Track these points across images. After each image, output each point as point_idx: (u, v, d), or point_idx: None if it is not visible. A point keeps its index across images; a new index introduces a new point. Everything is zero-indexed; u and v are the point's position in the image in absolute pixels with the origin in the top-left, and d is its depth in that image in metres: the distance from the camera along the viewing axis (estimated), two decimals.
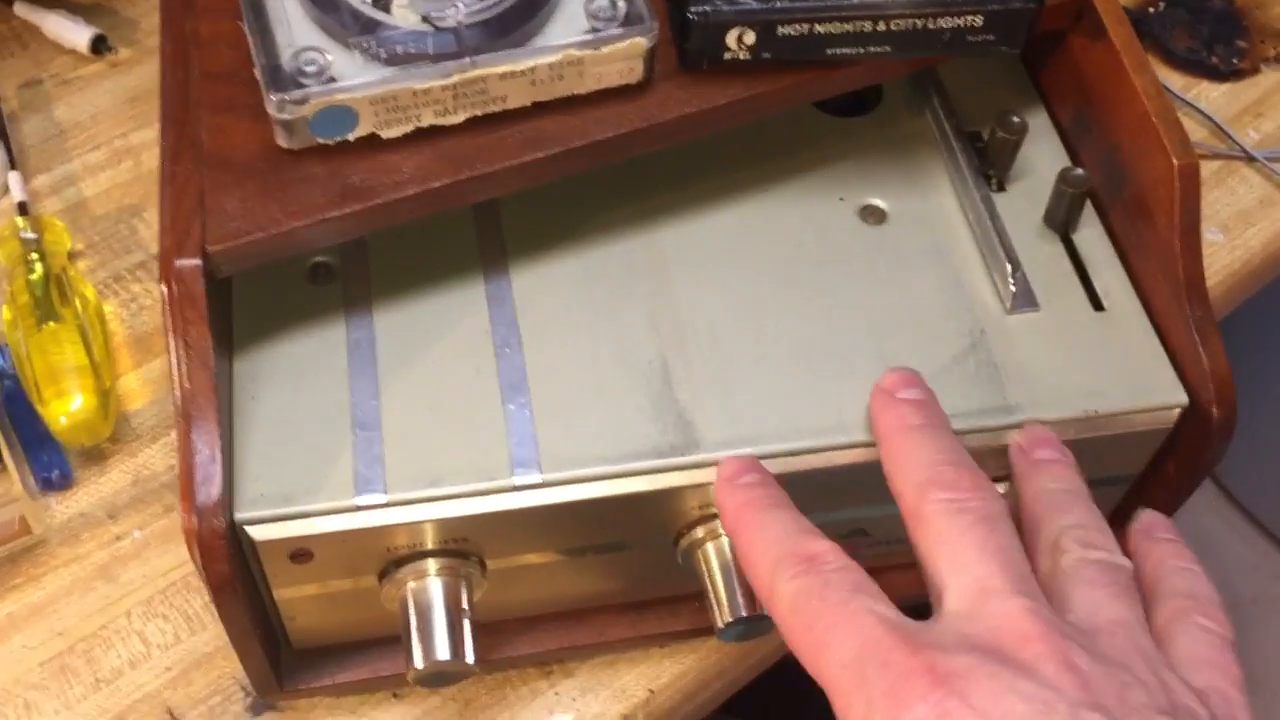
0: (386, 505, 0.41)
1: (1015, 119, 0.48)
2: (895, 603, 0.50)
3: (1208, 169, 0.66)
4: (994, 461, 0.45)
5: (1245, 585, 1.42)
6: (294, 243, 0.41)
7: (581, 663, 0.50)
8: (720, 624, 0.43)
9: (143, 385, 0.56)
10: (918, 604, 0.51)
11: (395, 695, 0.49)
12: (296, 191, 0.41)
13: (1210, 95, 0.69)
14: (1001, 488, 0.45)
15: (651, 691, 0.50)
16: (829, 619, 0.36)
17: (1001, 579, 0.36)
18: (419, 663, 0.42)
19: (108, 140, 0.63)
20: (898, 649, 0.34)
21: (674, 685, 0.50)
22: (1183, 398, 0.45)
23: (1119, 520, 0.51)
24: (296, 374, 0.43)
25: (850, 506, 0.46)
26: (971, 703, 0.32)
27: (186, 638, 0.50)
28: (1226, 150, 0.66)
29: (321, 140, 0.42)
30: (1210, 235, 0.64)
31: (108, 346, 0.55)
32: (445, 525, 0.42)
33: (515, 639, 0.49)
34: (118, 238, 0.60)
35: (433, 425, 0.42)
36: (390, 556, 0.43)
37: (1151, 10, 0.72)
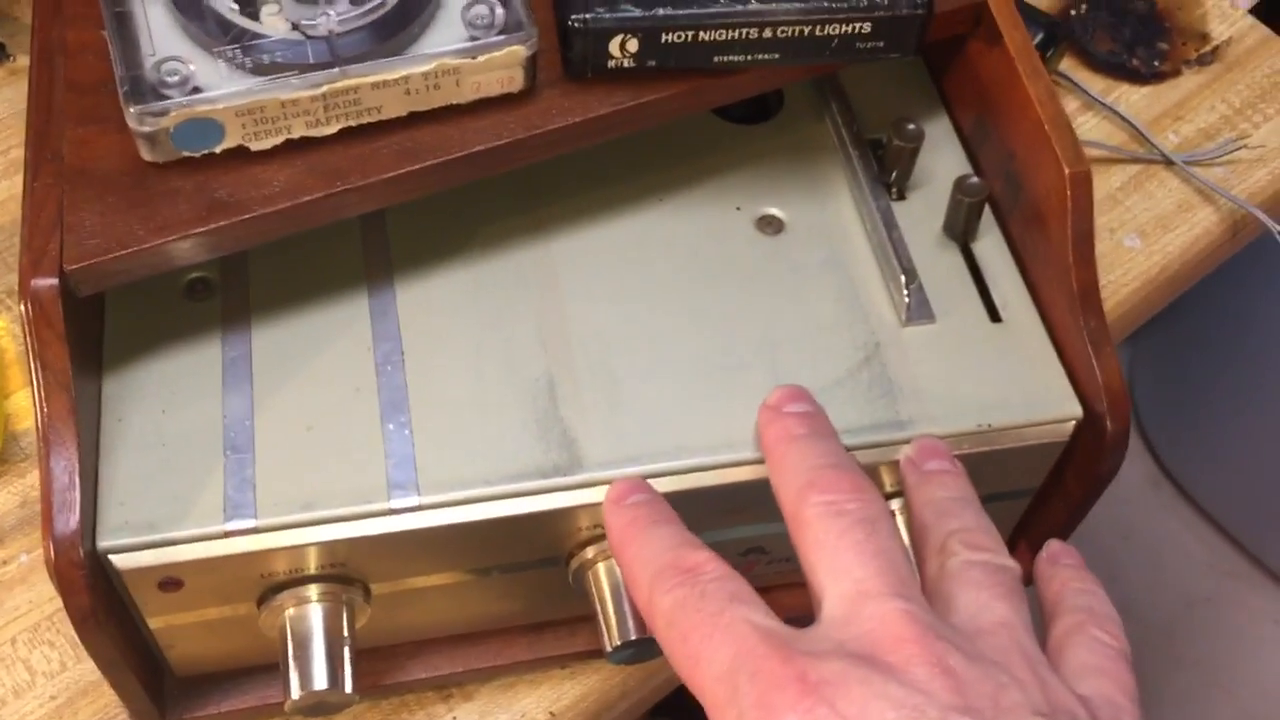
0: (257, 530, 0.40)
1: (911, 126, 0.48)
2: (794, 619, 0.50)
3: (1126, 173, 0.65)
4: (887, 477, 0.44)
5: (1201, 584, 1.43)
6: (158, 260, 0.40)
7: (480, 685, 0.49)
8: (609, 647, 0.42)
9: (33, 404, 0.54)
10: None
11: None
12: (160, 206, 0.40)
13: (1131, 99, 0.68)
14: (895, 504, 0.44)
15: (553, 715, 0.49)
16: (704, 630, 0.35)
17: (879, 581, 0.35)
18: (295, 692, 0.41)
19: (4, 150, 0.62)
20: (770, 658, 0.33)
21: (576, 707, 0.49)
22: (1077, 410, 0.44)
23: (1024, 535, 0.50)
24: (168, 394, 0.42)
25: (744, 524, 0.45)
26: (840, 710, 0.31)
27: (73, 665, 0.48)
28: (1145, 154, 0.66)
29: (187, 153, 0.40)
30: (1128, 242, 0.63)
31: None
32: (321, 550, 0.40)
33: (409, 663, 0.48)
34: (13, 251, 0.58)
35: (309, 446, 0.41)
36: (267, 583, 0.41)
37: (1073, 13, 0.72)
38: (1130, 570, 1.41)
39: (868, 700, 0.31)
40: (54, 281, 0.38)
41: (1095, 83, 0.69)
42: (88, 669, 0.48)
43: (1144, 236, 0.63)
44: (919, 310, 0.46)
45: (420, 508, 0.40)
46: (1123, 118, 0.67)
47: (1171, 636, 1.39)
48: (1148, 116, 0.67)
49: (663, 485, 0.42)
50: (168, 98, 0.39)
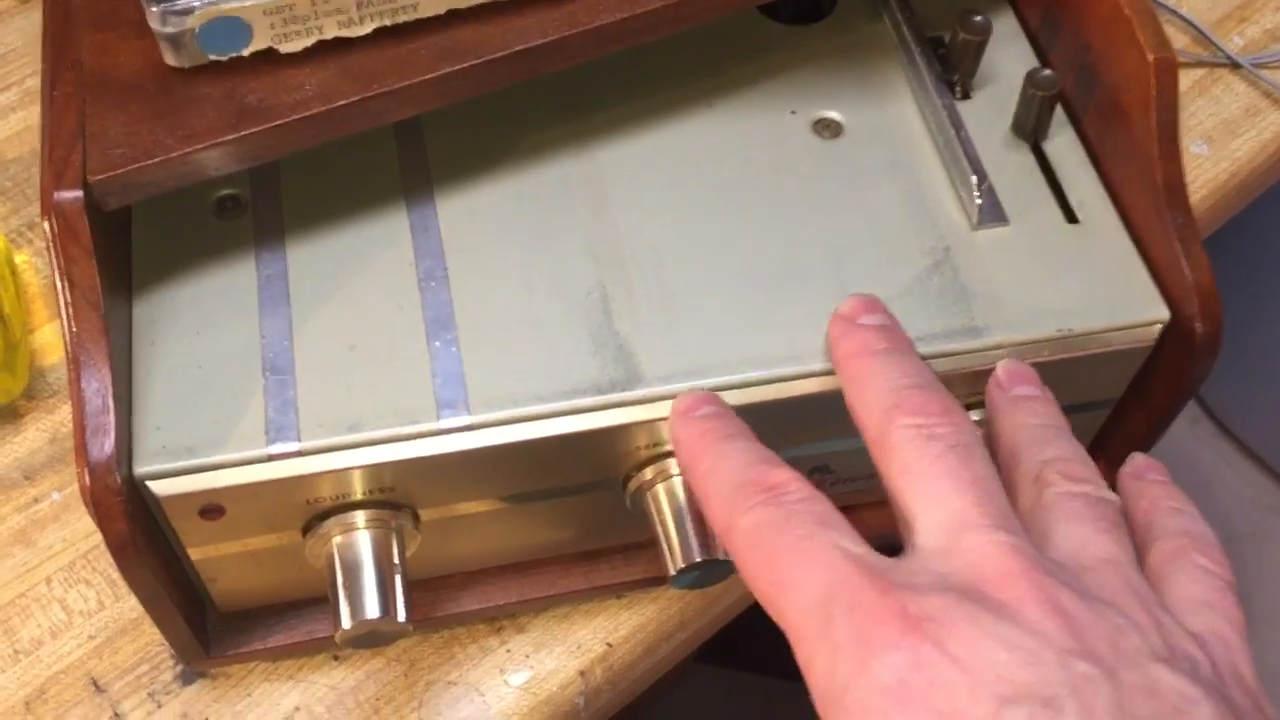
0: (301, 454, 0.38)
1: (978, 18, 0.45)
2: (871, 541, 0.48)
3: (1190, 78, 0.62)
4: (962, 387, 0.41)
5: (1243, 520, 1.40)
6: (187, 170, 0.37)
7: (534, 617, 0.47)
8: (673, 570, 0.40)
9: (60, 339, 0.52)
10: (888, 543, 0.48)
11: (336, 658, 0.46)
12: (188, 114, 0.37)
13: (1193, 0, 0.65)
14: (975, 415, 0.42)
15: (609, 645, 0.47)
16: (790, 555, 0.32)
17: (978, 511, 0.32)
18: (346, 622, 0.39)
19: (19, 80, 0.59)
20: (867, 589, 0.31)
21: (633, 638, 0.48)
22: (1164, 313, 0.41)
23: (1101, 450, 0.48)
24: (201, 316, 0.40)
25: (809, 442, 0.43)
26: (949, 650, 0.29)
27: (111, 604, 0.47)
28: (1210, 58, 0.63)
29: (214, 57, 0.38)
30: (1194, 148, 0.60)
31: (20, 298, 0.52)
32: (368, 474, 0.38)
33: (460, 594, 0.46)
34: (31, 183, 0.56)
35: (351, 366, 0.39)
36: (312, 509, 0.39)
37: None
38: None
39: (978, 640, 0.29)
40: (78, 194, 0.36)
41: None
42: (127, 607, 0.47)
43: (1211, 143, 0.60)
44: (991, 212, 0.43)
45: (471, 427, 0.38)
46: (1185, 20, 0.63)
47: None
48: (1211, 18, 0.64)
49: (728, 400, 0.39)
50: None
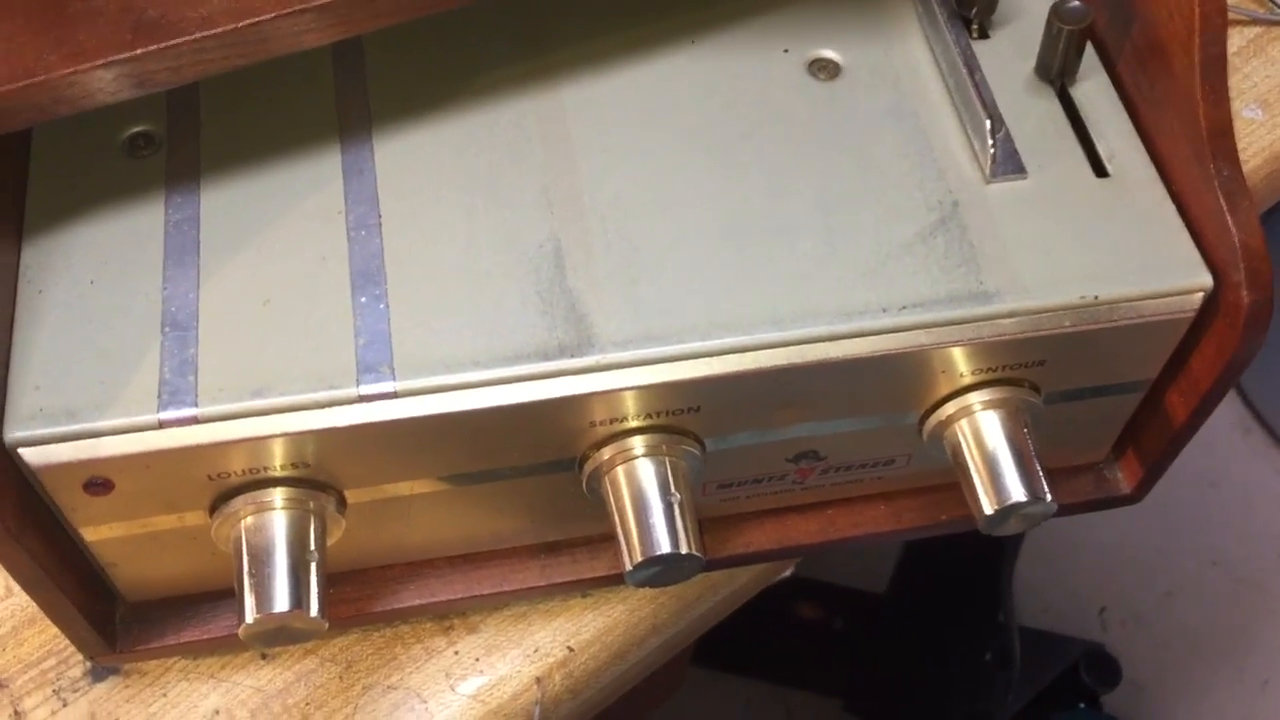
0: (195, 420, 0.33)
1: None
2: (852, 540, 0.42)
3: (1243, 36, 0.56)
4: (969, 362, 0.36)
5: None
6: (75, 94, 0.32)
7: (486, 616, 0.42)
8: (629, 564, 0.35)
9: None
10: (880, 542, 0.43)
11: (264, 656, 0.41)
12: (76, 28, 0.33)
13: None
14: (977, 396, 0.37)
15: (571, 649, 0.42)
16: None
17: None
18: (250, 615, 0.34)
19: None
20: None
21: (598, 640, 0.42)
22: (1206, 279, 0.36)
23: (1133, 440, 0.42)
24: (98, 263, 0.35)
25: (795, 423, 0.37)
26: None
27: (18, 591, 0.42)
28: (1266, 15, 0.56)
29: None
30: (1247, 112, 0.54)
31: None
32: (278, 446, 0.33)
33: (402, 588, 0.41)
34: None
35: (264, 323, 0.34)
36: (218, 486, 0.35)
37: None
38: (1220, 520, 1.32)
39: None
40: None
41: None
42: None
43: (1266, 107, 0.54)
44: (1006, 162, 0.38)
45: (396, 394, 0.33)
46: None
47: (1263, 589, 1.30)
48: None
49: (688, 370, 0.34)
50: None
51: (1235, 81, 0.55)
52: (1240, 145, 0.53)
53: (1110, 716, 0.99)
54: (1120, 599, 1.29)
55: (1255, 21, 0.56)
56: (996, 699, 1.08)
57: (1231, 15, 0.56)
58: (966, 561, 1.18)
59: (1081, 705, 0.95)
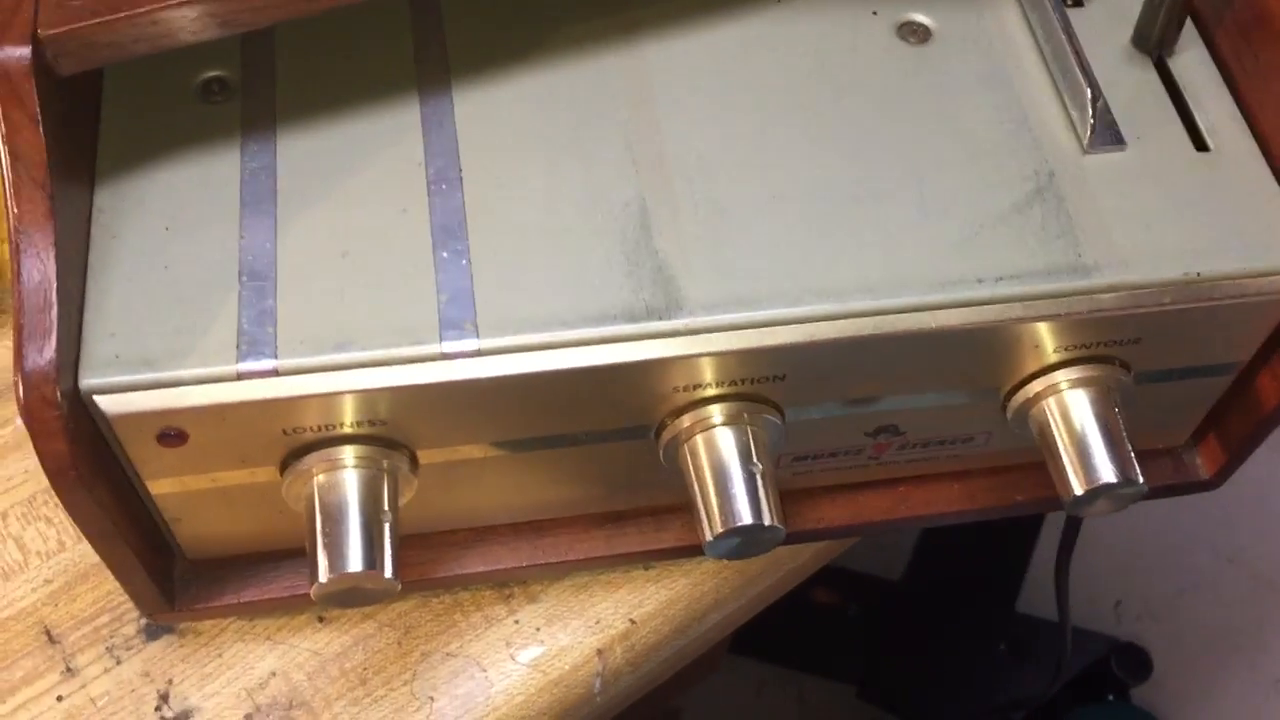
0: (276, 373, 0.32)
1: None
2: (924, 519, 0.41)
3: None
4: (1064, 337, 0.35)
5: None
6: (157, 32, 0.31)
7: (548, 585, 0.41)
8: (709, 535, 0.34)
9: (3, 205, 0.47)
10: (952, 522, 0.42)
11: (321, 619, 0.41)
12: None
13: None
14: (1065, 374, 0.36)
15: (633, 622, 0.41)
16: None
17: None
18: (324, 575, 0.33)
19: None
20: None
21: (660, 614, 0.42)
22: None
23: (1216, 424, 0.41)
24: (174, 209, 0.34)
25: (876, 396, 0.36)
26: None
27: (72, 545, 0.41)
28: None
29: None
30: None
31: None
32: (356, 402, 0.33)
33: (465, 554, 0.40)
34: None
35: (344, 276, 0.33)
36: (292, 442, 0.34)
37: None
38: (1239, 518, 1.31)
39: None
40: (25, 51, 0.30)
41: None
42: (91, 550, 0.41)
43: None
44: (1105, 133, 0.37)
45: (479, 352, 0.32)
46: None
47: (1279, 587, 1.29)
48: None
49: (781, 337, 0.33)
50: None
51: None
52: None
53: (1140, 709, 0.98)
54: (1136, 593, 1.29)
55: None
56: (1013, 691, 1.08)
57: None
58: (982, 551, 1.17)
59: (1110, 697, 0.94)
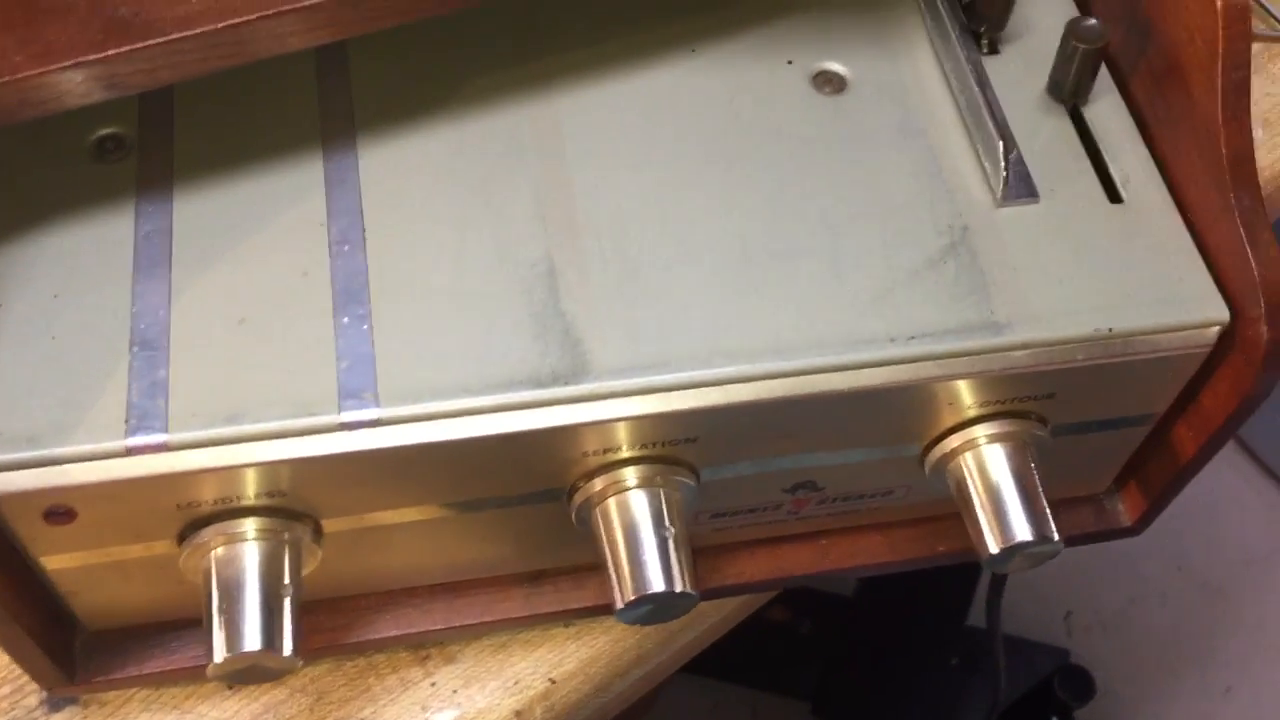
0: (166, 448, 0.31)
1: None
2: (847, 570, 0.41)
3: None
4: (978, 394, 0.35)
5: (1260, 542, 1.34)
6: (41, 96, 0.30)
7: (465, 646, 0.41)
8: (620, 603, 0.34)
9: None
10: (879, 575, 0.42)
11: (230, 686, 0.39)
12: (44, 25, 0.31)
13: None
14: (983, 429, 0.35)
15: (552, 681, 0.40)
16: None
17: None
18: (219, 654, 0.32)
19: None
20: None
21: (581, 672, 0.41)
22: (1223, 313, 0.34)
23: (1135, 472, 0.41)
24: (64, 275, 0.33)
25: (792, 453, 0.36)
26: None
27: None
28: (1267, 31, 0.56)
29: None
30: None
31: None
32: (252, 475, 0.32)
33: (377, 618, 0.39)
34: None
35: (240, 343, 0.32)
36: (188, 515, 0.33)
37: None
38: (1186, 527, 1.32)
39: None
40: None
41: None
42: None
43: (1268, 126, 0.53)
44: (1019, 186, 0.36)
45: (379, 422, 0.31)
46: None
47: (1229, 596, 1.31)
48: None
49: (691, 401, 0.33)
50: None
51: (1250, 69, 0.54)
52: None
53: None
54: (1085, 604, 1.30)
55: (1257, 38, 0.55)
56: (964, 704, 1.08)
57: None
58: (934, 568, 1.18)
59: (1054, 718, 0.94)
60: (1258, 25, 0.56)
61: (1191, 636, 1.30)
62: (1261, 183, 0.52)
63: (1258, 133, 0.53)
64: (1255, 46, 0.55)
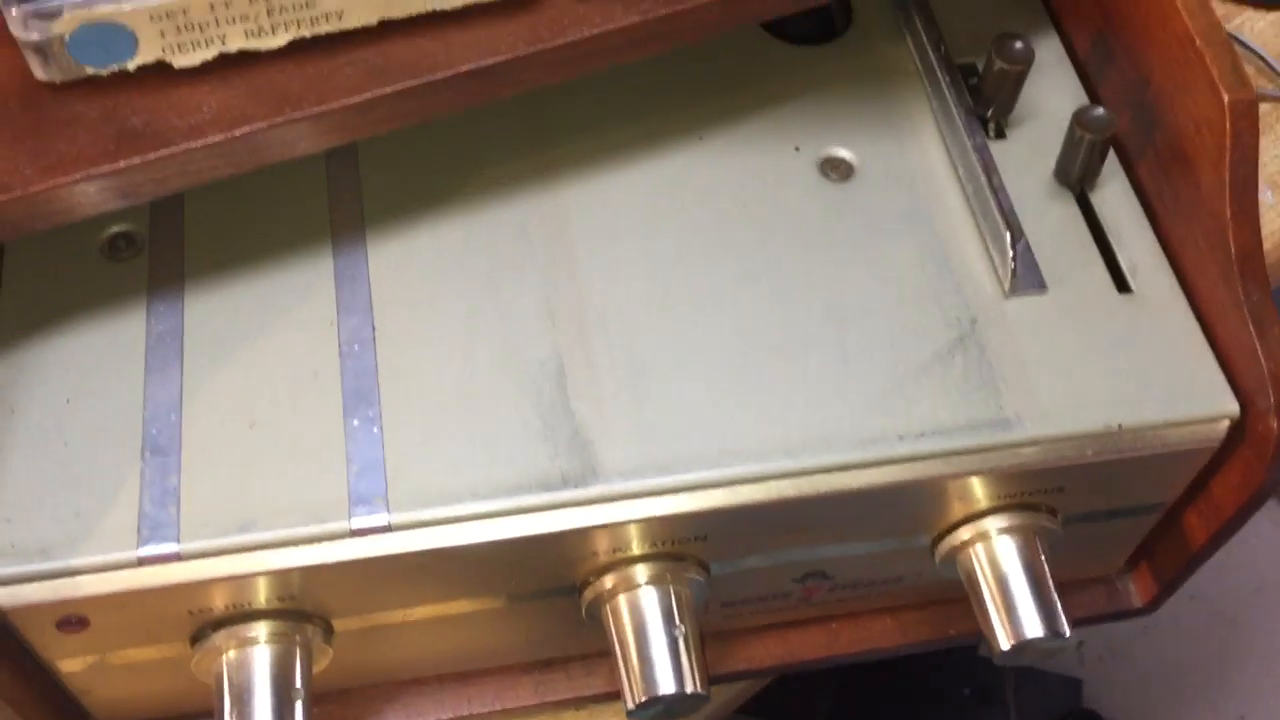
0: (178, 558, 0.31)
1: (1018, 44, 0.38)
2: (857, 655, 0.41)
3: None
4: (986, 489, 0.35)
5: (1272, 568, 1.33)
6: (54, 208, 0.31)
7: None
8: (631, 703, 0.34)
9: None
10: (886, 658, 0.42)
11: None
12: (55, 138, 0.31)
13: (1255, 27, 0.58)
14: (993, 521, 0.35)
15: None
16: None
17: None
18: None
19: None
20: None
21: None
22: (1233, 406, 0.34)
23: (1147, 555, 0.41)
24: (75, 379, 0.33)
25: (803, 545, 0.36)
26: None
27: None
28: (1274, 91, 0.55)
29: (92, 70, 0.31)
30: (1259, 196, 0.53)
31: None
32: (264, 582, 0.32)
33: (387, 708, 0.39)
34: None
35: (250, 448, 0.32)
36: (199, 619, 0.33)
37: None
38: None
39: None
40: None
41: (1214, 8, 0.58)
42: None
43: (1276, 188, 0.53)
44: (1027, 277, 0.36)
45: (390, 528, 0.32)
46: (1248, 47, 0.56)
47: (1240, 623, 1.30)
48: (1276, 47, 0.57)
49: (700, 502, 0.33)
50: None
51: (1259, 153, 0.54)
52: None
53: None
54: (1098, 633, 1.29)
55: (1264, 98, 0.55)
56: None
57: None
58: None
59: None
60: (1265, 85, 0.56)
61: (1204, 665, 1.29)
62: (1271, 247, 0.52)
63: (1266, 195, 0.53)
64: (1264, 107, 0.55)
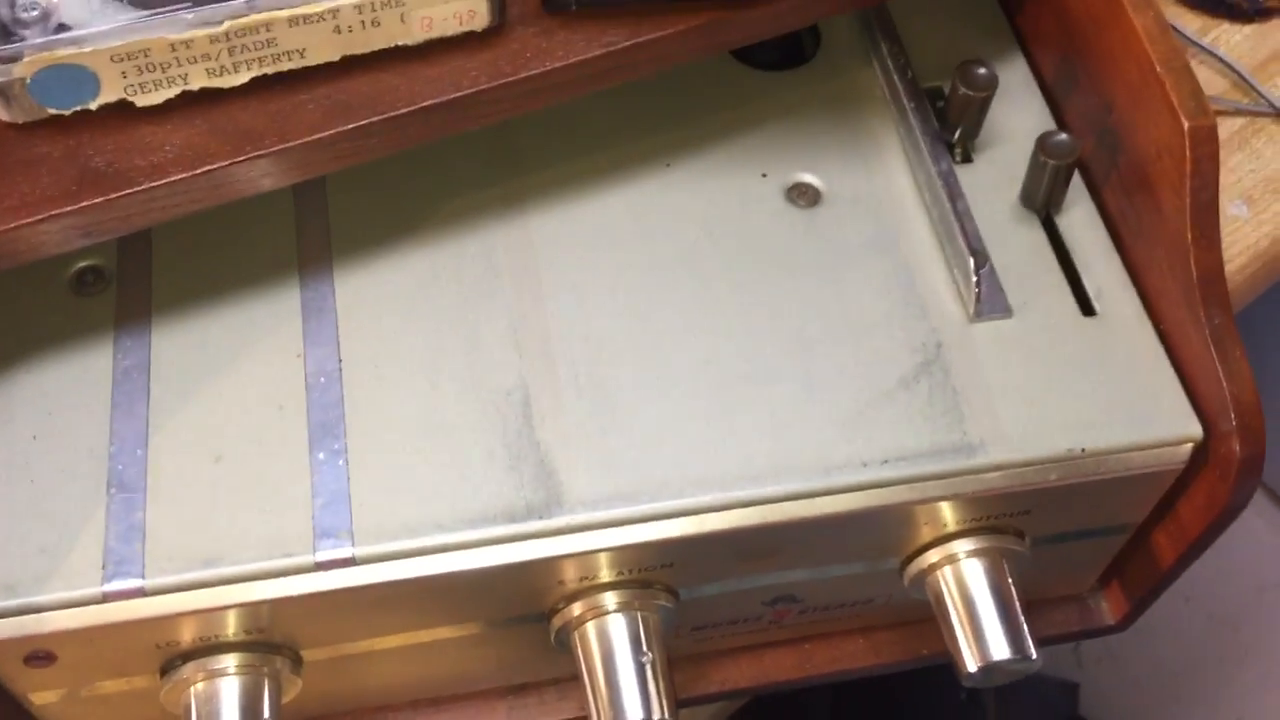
0: (143, 593, 0.31)
1: (982, 70, 0.38)
2: (830, 675, 0.41)
3: (1228, 128, 0.55)
4: (953, 514, 0.35)
5: (1271, 570, 1.33)
6: (17, 248, 0.31)
7: None
8: None
9: None
10: (850, 678, 0.42)
11: None
12: (17, 179, 0.31)
13: (1232, 39, 0.58)
14: (961, 545, 0.35)
15: None
16: None
17: None
18: None
19: None
20: None
21: None
22: (1196, 429, 0.35)
23: (1117, 574, 0.41)
24: (40, 415, 0.34)
25: (770, 571, 0.36)
26: None
27: None
28: (1250, 105, 0.56)
29: (54, 110, 0.32)
30: (1232, 209, 0.53)
31: None
32: (229, 616, 0.32)
33: None
34: None
35: (216, 482, 0.33)
36: (167, 653, 0.33)
37: None
38: None
39: None
40: None
41: (1189, 21, 0.58)
42: None
43: (1251, 203, 0.53)
44: (991, 301, 0.36)
45: (354, 560, 0.32)
46: (1224, 62, 0.56)
47: (1240, 625, 1.30)
48: (1253, 61, 0.57)
49: (665, 531, 0.33)
50: (22, 38, 0.30)
51: (1219, 179, 0.54)
52: (1225, 243, 0.52)
53: None
54: None
55: (1240, 113, 0.55)
56: None
57: (1216, 107, 0.55)
58: None
59: None
60: (1240, 100, 0.56)
61: (1200, 667, 1.29)
62: (1246, 260, 0.52)
63: (1242, 209, 0.53)
64: (1238, 122, 0.55)
